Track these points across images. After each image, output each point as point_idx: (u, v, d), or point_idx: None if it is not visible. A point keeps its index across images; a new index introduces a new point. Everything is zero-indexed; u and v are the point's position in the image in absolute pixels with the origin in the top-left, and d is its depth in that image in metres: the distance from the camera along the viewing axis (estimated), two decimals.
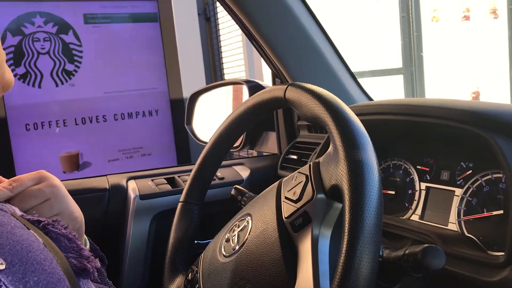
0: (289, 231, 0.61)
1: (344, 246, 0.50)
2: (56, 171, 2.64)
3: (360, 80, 1.24)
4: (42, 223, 0.54)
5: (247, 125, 0.81)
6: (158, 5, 2.85)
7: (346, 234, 0.50)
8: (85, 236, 0.72)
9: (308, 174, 0.63)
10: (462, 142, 0.82)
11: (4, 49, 2.52)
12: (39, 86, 2.63)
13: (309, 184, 0.61)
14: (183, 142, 2.96)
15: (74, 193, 0.73)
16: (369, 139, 0.57)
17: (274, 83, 1.28)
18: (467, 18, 3.87)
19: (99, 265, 0.57)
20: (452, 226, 0.80)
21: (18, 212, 0.57)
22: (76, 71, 2.71)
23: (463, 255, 0.73)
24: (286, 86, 0.70)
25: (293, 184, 0.64)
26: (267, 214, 0.65)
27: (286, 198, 0.64)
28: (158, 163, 2.92)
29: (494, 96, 3.91)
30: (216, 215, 1.02)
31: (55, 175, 0.70)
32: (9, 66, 2.51)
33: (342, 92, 1.17)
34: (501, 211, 0.74)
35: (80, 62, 2.72)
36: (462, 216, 0.79)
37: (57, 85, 2.68)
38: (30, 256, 0.44)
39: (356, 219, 0.50)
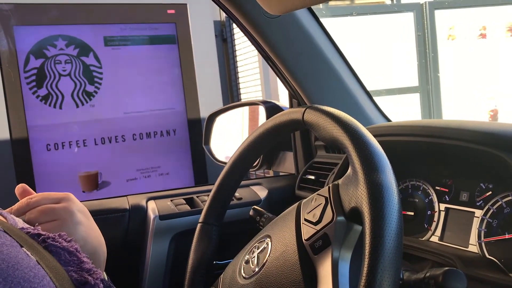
0: (308, 254, 0.61)
1: (365, 269, 0.50)
2: (76, 190, 2.68)
3: (377, 98, 1.24)
4: (42, 236, 0.53)
5: (265, 146, 0.82)
6: (176, 28, 2.91)
7: (366, 257, 0.50)
8: (104, 274, 0.70)
9: (328, 196, 0.63)
10: (481, 163, 0.82)
11: (27, 71, 2.60)
12: (60, 107, 2.69)
13: (329, 206, 0.62)
14: (200, 162, 2.98)
15: (95, 213, 0.74)
16: (388, 161, 0.58)
17: (291, 104, 1.29)
18: (483, 36, 3.86)
19: (102, 276, 0.56)
20: (473, 248, 0.79)
21: (20, 224, 0.56)
22: (96, 92, 2.77)
23: (484, 278, 0.72)
24: (304, 108, 0.71)
25: (313, 206, 0.65)
26: (287, 236, 0.66)
27: (305, 220, 0.65)
28: (175, 183, 2.94)
29: None
30: (235, 236, 1.03)
31: (74, 194, 0.71)
32: (31, 88, 2.59)
33: (360, 113, 1.18)
34: None
35: (100, 84, 2.77)
36: (482, 238, 0.79)
37: (77, 106, 2.73)
38: (17, 274, 0.43)
39: (376, 242, 0.50)
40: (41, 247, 0.52)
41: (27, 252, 0.48)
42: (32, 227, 0.55)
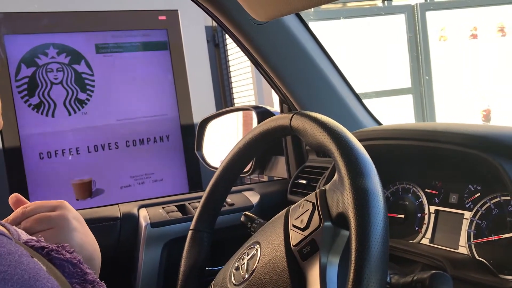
0: (297, 259, 0.61)
1: (351, 274, 0.50)
2: (69, 198, 2.67)
3: (371, 100, 1.25)
4: (46, 249, 0.53)
5: (255, 152, 0.83)
6: (168, 34, 2.91)
7: (352, 262, 0.51)
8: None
9: (315, 202, 0.64)
10: (469, 166, 0.82)
11: (18, 80, 2.59)
12: (53, 116, 2.68)
13: (316, 212, 0.62)
14: (194, 167, 2.98)
15: (86, 222, 0.74)
16: (373, 166, 0.58)
17: (281, 109, 1.29)
18: (474, 36, 3.89)
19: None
20: (463, 249, 0.80)
21: (24, 237, 0.56)
22: (88, 100, 2.76)
23: (474, 280, 0.73)
24: (291, 114, 0.71)
25: (300, 212, 0.65)
26: (276, 242, 0.66)
27: (293, 226, 0.65)
28: (169, 189, 2.93)
29: (506, 114, 3.88)
30: (227, 242, 1.03)
31: (68, 203, 0.71)
32: (23, 96, 2.58)
33: (350, 117, 1.18)
34: (511, 234, 0.74)
35: (92, 91, 2.77)
36: (472, 240, 0.79)
37: (70, 114, 2.72)
38: (38, 285, 0.43)
39: (362, 247, 0.51)
40: (46, 260, 0.52)
41: (39, 262, 0.48)
42: (35, 239, 0.55)
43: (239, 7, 0.96)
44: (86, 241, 0.68)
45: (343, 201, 0.56)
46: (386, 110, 3.57)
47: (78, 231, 0.67)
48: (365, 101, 1.27)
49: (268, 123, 0.77)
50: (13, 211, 0.69)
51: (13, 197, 0.71)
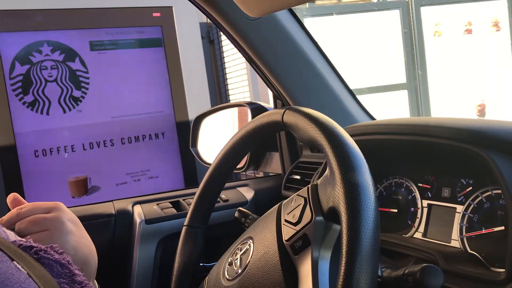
0: (289, 254, 0.62)
1: (342, 268, 0.51)
2: (65, 196, 2.67)
3: (366, 96, 1.25)
4: (34, 249, 0.53)
5: (248, 148, 0.83)
6: (162, 31, 2.90)
7: (343, 256, 0.51)
8: (95, 282, 0.71)
9: (307, 196, 0.64)
10: (462, 160, 0.83)
11: (12, 78, 2.58)
12: (47, 113, 2.68)
13: (308, 206, 0.62)
14: (189, 164, 2.98)
15: (80, 219, 0.74)
16: (364, 161, 0.58)
17: (275, 105, 1.29)
18: (469, 31, 3.89)
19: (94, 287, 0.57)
20: (455, 243, 0.80)
21: (12, 237, 0.56)
22: (83, 97, 2.75)
23: (465, 273, 0.73)
24: (284, 110, 0.71)
25: (292, 206, 0.65)
26: (268, 237, 0.66)
27: (286, 221, 0.65)
28: (165, 185, 2.93)
29: (501, 109, 3.90)
30: (222, 238, 1.03)
31: (63, 201, 0.71)
32: (17, 94, 2.58)
33: (343, 112, 1.19)
34: (502, 227, 0.74)
35: (87, 89, 2.76)
36: (464, 233, 0.80)
37: (64, 112, 2.72)
38: None
39: (353, 241, 0.51)
40: (33, 260, 0.52)
41: (18, 266, 0.48)
42: (24, 240, 0.55)
43: (231, 3, 0.96)
44: (82, 243, 0.68)
45: (334, 195, 0.57)
46: (382, 106, 3.58)
47: (73, 234, 0.67)
48: (360, 97, 1.27)
49: (261, 118, 0.77)
50: (9, 209, 0.69)
51: (11, 197, 0.71)
